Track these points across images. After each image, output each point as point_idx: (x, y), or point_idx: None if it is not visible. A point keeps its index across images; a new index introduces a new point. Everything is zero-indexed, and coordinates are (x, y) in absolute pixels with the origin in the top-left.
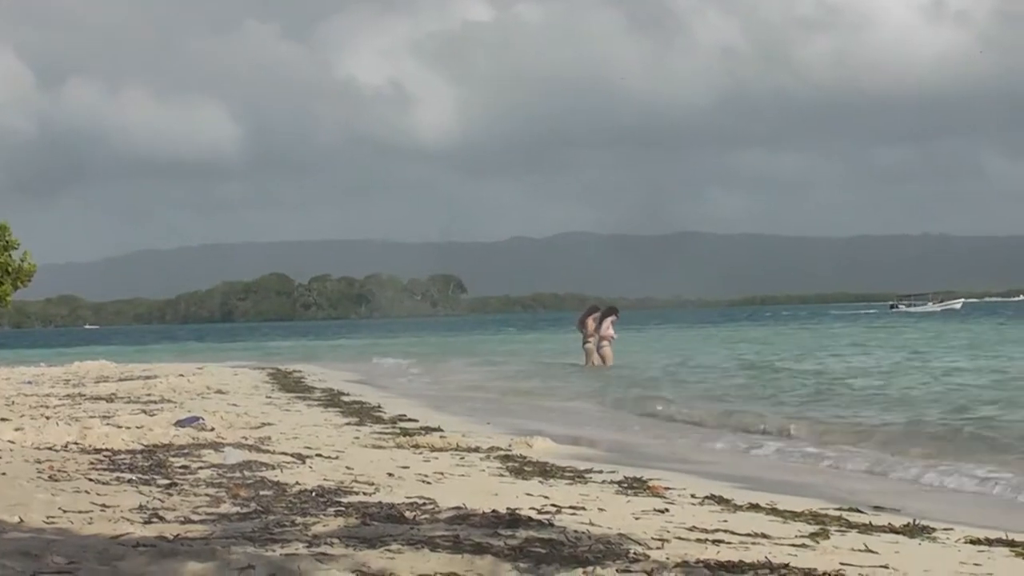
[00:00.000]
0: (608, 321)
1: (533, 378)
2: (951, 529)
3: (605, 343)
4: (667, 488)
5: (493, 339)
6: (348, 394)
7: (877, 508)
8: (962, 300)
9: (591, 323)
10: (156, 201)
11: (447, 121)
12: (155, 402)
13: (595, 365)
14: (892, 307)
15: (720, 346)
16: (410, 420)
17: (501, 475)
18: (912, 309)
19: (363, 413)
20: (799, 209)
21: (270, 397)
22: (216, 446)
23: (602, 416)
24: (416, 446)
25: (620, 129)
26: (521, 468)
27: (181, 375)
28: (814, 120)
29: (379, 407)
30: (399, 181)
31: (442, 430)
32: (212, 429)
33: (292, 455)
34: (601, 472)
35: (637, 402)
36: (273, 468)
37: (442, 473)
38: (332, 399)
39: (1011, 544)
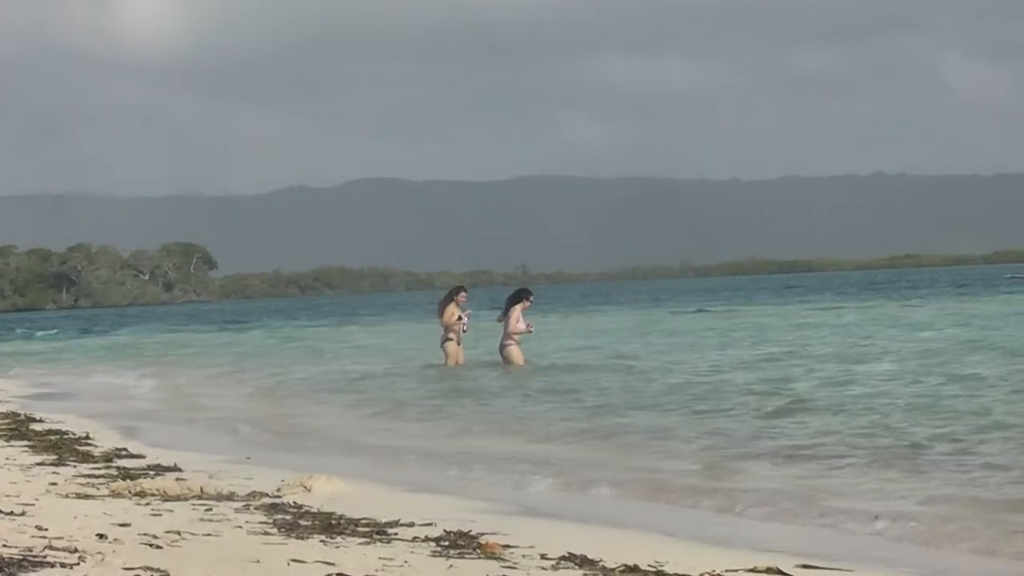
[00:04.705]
0: (517, 310)
1: (340, 391)
2: None
3: (511, 342)
4: (506, 546)
5: (284, 333)
6: (41, 420)
7: (805, 567)
8: None
9: (452, 310)
10: None
11: (173, 23)
12: None
13: (458, 364)
14: None
15: None
16: (133, 456)
17: (265, 533)
18: None
19: (64, 447)
20: (696, 142)
21: None
22: None
23: (424, 442)
24: (141, 493)
25: (435, 32)
26: (295, 522)
27: None
28: (704, 17)
29: (88, 438)
30: (111, 109)
31: (180, 469)
32: None
33: None
34: (412, 525)
35: (488, 418)
36: None
37: (179, 533)
38: (17, 428)
39: None
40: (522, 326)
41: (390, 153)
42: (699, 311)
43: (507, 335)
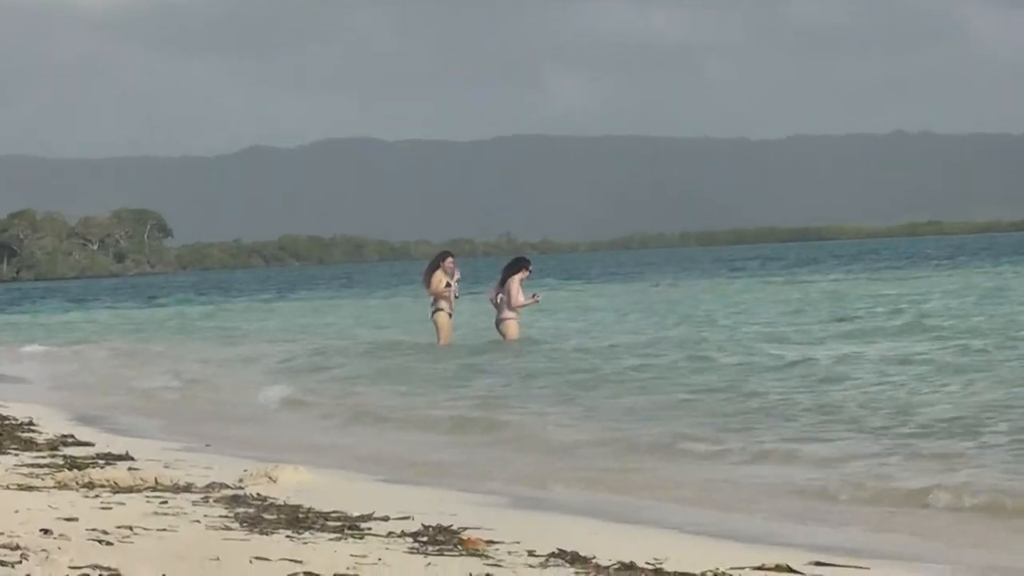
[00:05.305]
0: (516, 280)
1: (315, 370)
2: None
3: (511, 316)
4: (490, 541)
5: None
6: None
7: (819, 564)
8: None
9: (440, 276)
10: None
11: None
12: None
13: (447, 342)
14: None
15: None
16: (81, 444)
17: (226, 528)
18: None
19: (5, 434)
20: (694, 98)
21: None
22: None
23: (403, 430)
24: (90, 485)
25: None
26: (259, 516)
27: None
28: None
29: (31, 423)
30: (56, 64)
31: (133, 458)
32: None
33: None
34: (387, 519)
35: (478, 405)
36: None
37: (131, 528)
38: None
39: None
40: (523, 298)
41: (359, 111)
42: (655, 285)
43: (507, 308)
